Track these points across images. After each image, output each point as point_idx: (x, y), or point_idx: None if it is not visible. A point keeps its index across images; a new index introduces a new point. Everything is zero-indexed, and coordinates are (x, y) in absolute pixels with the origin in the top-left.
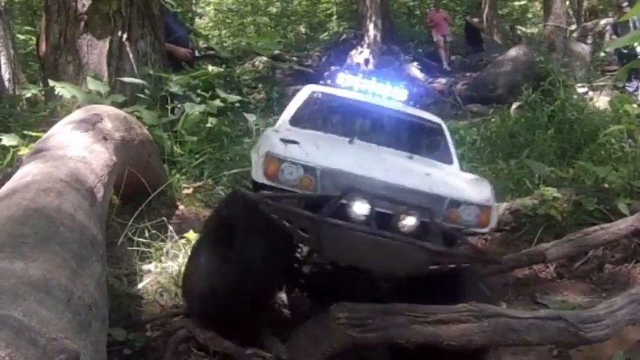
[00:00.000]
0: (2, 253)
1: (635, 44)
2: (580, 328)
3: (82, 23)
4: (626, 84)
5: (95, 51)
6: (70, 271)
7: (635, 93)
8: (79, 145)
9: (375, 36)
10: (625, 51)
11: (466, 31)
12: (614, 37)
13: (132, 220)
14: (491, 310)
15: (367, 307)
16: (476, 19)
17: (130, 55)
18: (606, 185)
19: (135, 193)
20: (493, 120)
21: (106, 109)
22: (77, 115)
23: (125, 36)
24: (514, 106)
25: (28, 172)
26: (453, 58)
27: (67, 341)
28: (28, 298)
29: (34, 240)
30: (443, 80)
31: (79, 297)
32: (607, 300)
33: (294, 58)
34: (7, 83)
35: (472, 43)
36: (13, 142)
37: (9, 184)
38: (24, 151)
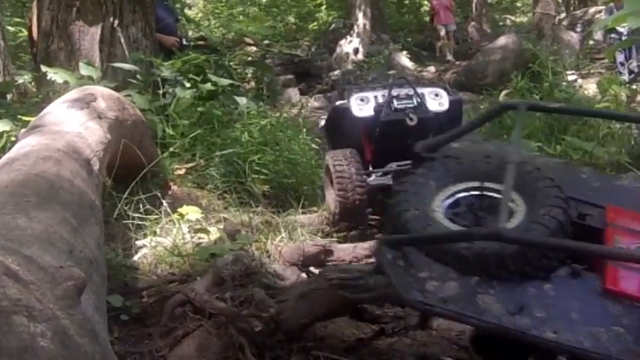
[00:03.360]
0: (5, 210)
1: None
2: None
3: (74, 9)
4: (621, 69)
5: (87, 37)
6: (70, 227)
7: (623, 72)
8: (74, 121)
9: (365, 25)
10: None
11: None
12: None
13: (126, 194)
14: None
15: (359, 267)
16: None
17: (122, 41)
18: (593, 161)
19: (128, 173)
20: (482, 106)
21: (100, 90)
22: (72, 94)
23: (116, 22)
24: (503, 92)
25: (26, 144)
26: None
27: (74, 269)
28: (33, 246)
29: (36, 200)
30: (432, 69)
31: (81, 250)
32: None
33: (286, 48)
34: None
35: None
36: (7, 128)
37: (7, 155)
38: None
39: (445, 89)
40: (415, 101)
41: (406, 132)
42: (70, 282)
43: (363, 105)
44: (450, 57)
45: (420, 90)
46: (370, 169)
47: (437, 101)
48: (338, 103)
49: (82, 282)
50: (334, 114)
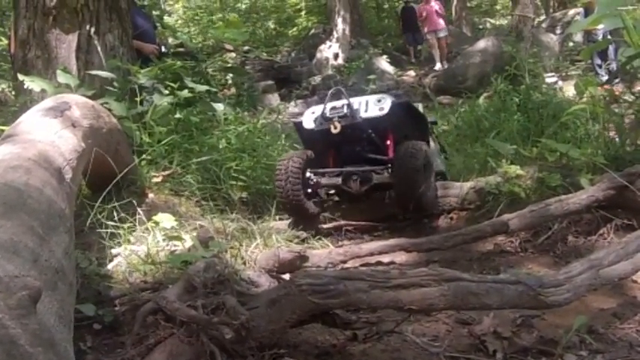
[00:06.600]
0: None
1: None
2: (540, 292)
3: (50, 18)
4: (599, 71)
5: (64, 45)
6: (37, 237)
7: (601, 73)
8: (47, 130)
9: (344, 30)
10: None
11: (402, 17)
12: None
13: (99, 202)
14: (450, 274)
15: (329, 273)
16: (414, 5)
17: (99, 49)
18: (569, 163)
19: (104, 182)
20: (462, 109)
21: (75, 98)
22: (46, 103)
23: (93, 30)
24: (483, 95)
25: None
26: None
27: (29, 279)
28: None
29: (2, 209)
30: (412, 73)
31: (46, 259)
32: (567, 266)
33: (264, 54)
34: None
35: (409, 30)
36: None
37: None
38: None
39: (394, 95)
40: (346, 109)
41: (334, 138)
42: (24, 291)
43: (312, 117)
44: (438, 65)
45: (364, 98)
46: None
47: (378, 106)
48: (295, 117)
49: (37, 291)
50: (295, 128)
